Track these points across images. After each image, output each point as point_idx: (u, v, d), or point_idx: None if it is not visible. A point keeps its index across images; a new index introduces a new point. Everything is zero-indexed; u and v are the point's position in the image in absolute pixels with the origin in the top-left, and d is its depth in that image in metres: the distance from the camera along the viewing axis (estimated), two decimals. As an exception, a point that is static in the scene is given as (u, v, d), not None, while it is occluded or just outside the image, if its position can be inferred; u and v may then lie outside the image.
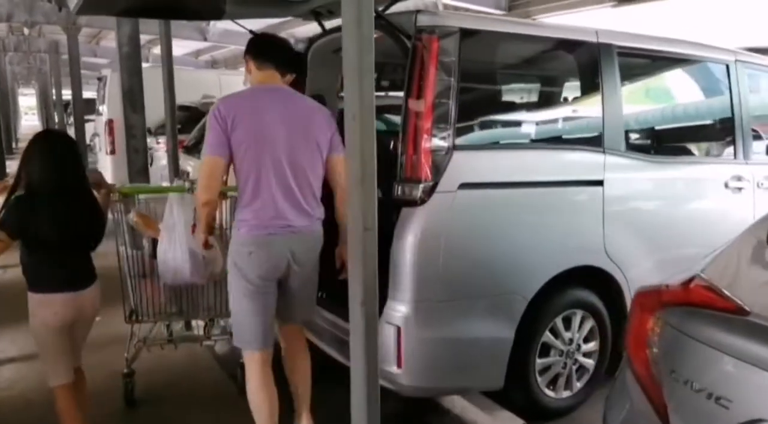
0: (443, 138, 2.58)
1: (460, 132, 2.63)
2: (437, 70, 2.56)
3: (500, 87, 3.27)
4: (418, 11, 2.64)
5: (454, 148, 2.59)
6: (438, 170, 2.56)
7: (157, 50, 15.06)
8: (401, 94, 2.65)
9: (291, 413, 2.75)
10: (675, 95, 3.82)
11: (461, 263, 2.64)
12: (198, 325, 3.70)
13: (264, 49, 2.58)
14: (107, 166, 8.84)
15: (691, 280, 1.56)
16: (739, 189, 3.54)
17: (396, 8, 2.88)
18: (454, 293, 2.65)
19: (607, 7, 7.26)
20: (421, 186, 2.54)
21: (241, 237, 2.45)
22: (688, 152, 3.73)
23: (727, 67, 3.56)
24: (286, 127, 2.41)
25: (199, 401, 3.24)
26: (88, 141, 11.63)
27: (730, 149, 3.59)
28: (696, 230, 3.42)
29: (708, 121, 3.85)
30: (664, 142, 3.58)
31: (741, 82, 3.57)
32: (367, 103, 1.75)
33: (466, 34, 2.65)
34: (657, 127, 3.64)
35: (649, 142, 3.42)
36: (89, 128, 11.48)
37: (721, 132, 3.66)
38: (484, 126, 2.92)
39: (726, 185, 3.50)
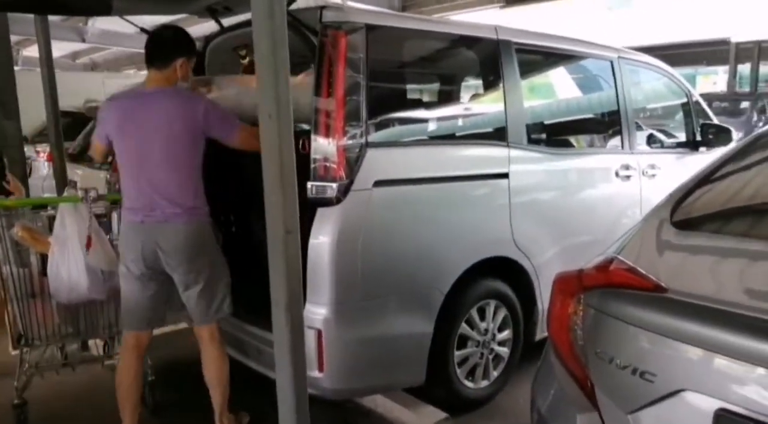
0: (356, 136, 2.54)
1: (372, 129, 2.61)
2: (346, 66, 2.52)
3: (408, 84, 3.30)
4: (322, 7, 2.59)
5: (367, 145, 2.57)
6: (352, 168, 2.52)
7: (27, 52, 14.01)
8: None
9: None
10: (568, 90, 4.03)
11: (379, 261, 2.62)
12: (97, 344, 3.45)
13: (145, 51, 2.65)
14: (-23, 178, 8.05)
15: (609, 262, 1.63)
16: (628, 177, 3.79)
17: (297, 5, 2.82)
18: (373, 292, 2.63)
19: (495, 7, 7.58)
20: (336, 185, 2.49)
21: (121, 224, 2.73)
22: (582, 144, 3.94)
23: (611, 63, 3.80)
24: (145, 130, 2.55)
25: (104, 428, 3.00)
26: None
27: (617, 140, 3.83)
28: (592, 216, 3.62)
29: (598, 115, 4.10)
30: (560, 134, 3.76)
31: (624, 77, 3.83)
32: (284, 100, 1.70)
33: (372, 30, 2.63)
34: (554, 121, 3.82)
35: (547, 135, 3.58)
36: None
37: (610, 124, 3.90)
38: (395, 123, 2.92)
39: (616, 174, 3.73)
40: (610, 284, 1.57)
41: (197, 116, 2.52)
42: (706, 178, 1.88)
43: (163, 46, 2.64)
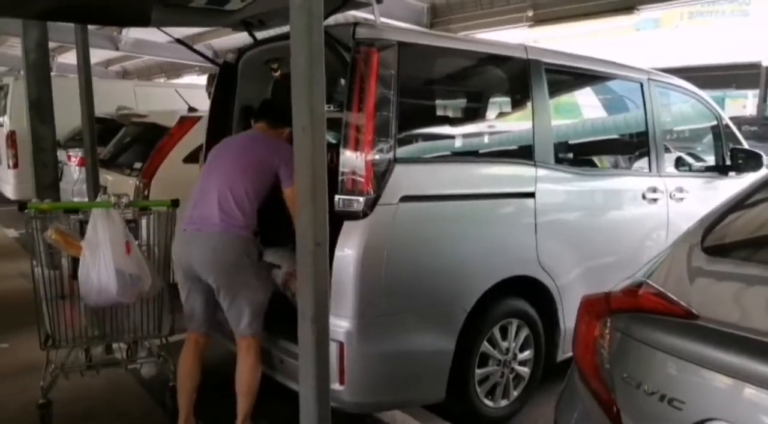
0: (385, 151, 2.57)
1: (400, 145, 2.63)
2: (377, 82, 2.55)
3: (437, 101, 3.31)
4: (356, 23, 2.63)
5: (395, 160, 2.59)
6: (380, 183, 2.54)
7: (62, 59, 14.35)
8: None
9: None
10: (597, 111, 4.02)
11: (403, 276, 2.63)
12: (121, 348, 3.49)
13: (264, 109, 3.10)
14: (9, 180, 8.24)
15: (638, 286, 1.62)
16: (655, 200, 3.76)
17: (331, 21, 2.86)
18: (397, 307, 2.63)
19: (523, 26, 7.59)
20: (363, 199, 2.52)
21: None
22: (610, 165, 3.92)
23: (641, 85, 3.78)
24: (227, 154, 2.88)
25: (125, 431, 3.04)
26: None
27: (645, 162, 3.80)
28: (617, 238, 3.60)
29: (626, 136, 4.08)
30: (588, 155, 3.75)
31: (654, 99, 3.81)
32: (318, 114, 1.72)
33: (404, 47, 2.66)
34: (581, 141, 3.81)
35: (574, 155, 3.57)
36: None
37: (638, 146, 3.88)
38: (423, 139, 2.94)
39: (643, 196, 3.71)
40: (638, 309, 1.56)
41: (279, 155, 2.78)
42: (738, 204, 1.87)
43: (285, 113, 2.86)
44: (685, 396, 1.37)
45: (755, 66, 16.08)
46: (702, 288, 1.57)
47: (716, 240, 1.72)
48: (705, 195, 4.09)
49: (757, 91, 17.64)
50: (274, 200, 2.85)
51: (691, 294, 1.50)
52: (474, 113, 3.61)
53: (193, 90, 7.69)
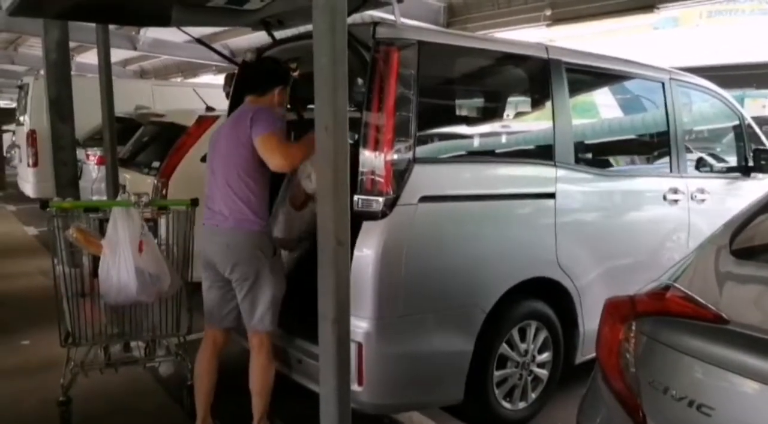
0: (404, 151, 2.55)
1: (420, 144, 2.61)
2: (397, 82, 2.54)
3: (457, 100, 3.29)
4: (375, 23, 2.62)
5: (415, 160, 2.58)
6: (399, 183, 2.53)
7: (81, 58, 14.49)
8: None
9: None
10: (617, 111, 3.97)
11: (422, 277, 2.61)
12: (139, 346, 3.51)
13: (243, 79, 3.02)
14: (29, 179, 8.34)
15: (666, 290, 1.59)
16: (676, 201, 3.71)
17: (351, 20, 2.85)
18: (416, 308, 2.62)
19: (541, 26, 7.53)
20: (383, 199, 2.51)
21: None
22: (630, 166, 3.88)
23: (663, 84, 3.73)
24: (218, 143, 2.80)
25: (143, 429, 3.06)
26: (5, 152, 10.94)
27: (666, 163, 3.75)
28: (637, 240, 3.56)
29: (647, 137, 4.03)
30: (608, 155, 3.71)
31: (675, 99, 3.76)
32: (341, 114, 1.71)
33: (423, 46, 2.64)
34: (602, 142, 3.77)
35: (595, 155, 3.53)
36: (6, 139, 10.81)
37: (659, 146, 3.83)
38: (443, 139, 2.93)
39: (664, 197, 3.66)
40: (665, 312, 1.54)
41: (247, 119, 2.64)
42: (766, 206, 1.83)
43: (263, 76, 2.86)
44: (714, 402, 1.34)
45: (776, 65, 15.84)
46: (731, 292, 1.54)
47: (745, 242, 1.69)
48: (727, 197, 4.03)
49: (777, 91, 17.40)
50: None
51: (720, 298, 1.47)
52: (494, 113, 3.58)
53: (210, 89, 7.72)
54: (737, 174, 4.23)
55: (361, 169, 2.55)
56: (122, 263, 2.75)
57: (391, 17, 2.87)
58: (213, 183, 2.78)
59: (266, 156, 2.59)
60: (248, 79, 2.93)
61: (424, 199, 2.60)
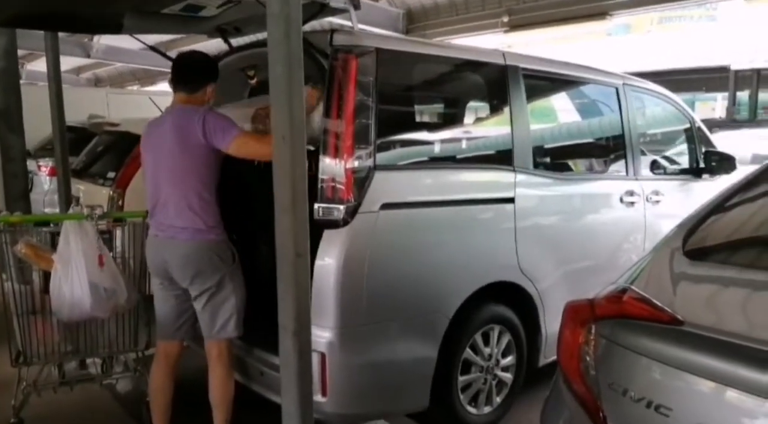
0: (365, 158, 2.54)
1: (380, 151, 2.60)
2: (356, 89, 2.53)
3: (416, 107, 3.30)
4: (333, 30, 2.60)
5: (375, 168, 2.57)
6: (360, 191, 2.52)
7: (30, 66, 14.06)
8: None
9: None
10: (574, 116, 4.05)
11: (384, 285, 2.60)
12: (95, 363, 3.40)
13: (174, 74, 2.74)
14: (-23, 191, 8.01)
15: (623, 292, 1.62)
16: (632, 203, 3.79)
17: (308, 27, 2.83)
18: (379, 316, 2.60)
19: (499, 32, 7.64)
20: (344, 207, 2.49)
21: None
22: (587, 169, 3.95)
23: (617, 89, 3.82)
24: (160, 146, 2.65)
25: (100, 449, 2.96)
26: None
27: (622, 166, 3.83)
28: (596, 242, 3.62)
29: (603, 141, 4.11)
30: (565, 159, 3.77)
31: (629, 104, 3.85)
32: (298, 122, 1.69)
33: (382, 53, 2.64)
34: (560, 146, 3.83)
35: (553, 160, 3.58)
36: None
37: (615, 150, 3.91)
38: (403, 145, 2.92)
39: (621, 200, 3.73)
40: (623, 315, 1.56)
41: (196, 126, 2.53)
42: (717, 207, 1.87)
43: (195, 71, 2.73)
44: (672, 403, 1.36)
45: (724, 69, 16.43)
46: (686, 293, 1.57)
47: (697, 243, 1.73)
48: (680, 198, 4.14)
49: (725, 94, 18.01)
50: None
51: (675, 299, 1.50)
52: (453, 119, 3.60)
53: (167, 97, 7.57)
54: (689, 176, 4.35)
55: (321, 176, 2.53)
56: (75, 278, 2.66)
57: (350, 24, 2.87)
58: (160, 194, 2.65)
59: (253, 153, 2.53)
60: (178, 73, 2.73)
61: (386, 206, 2.59)
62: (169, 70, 2.79)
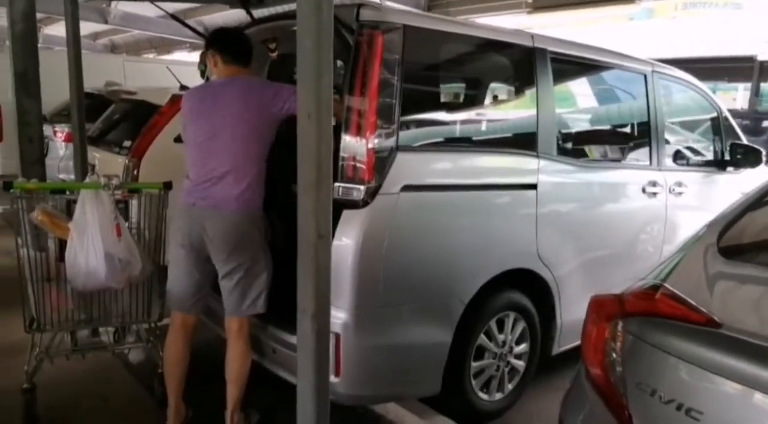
0: (387, 137, 2.48)
1: (403, 132, 2.55)
2: (381, 66, 2.46)
3: (441, 87, 3.23)
4: (360, 4, 2.52)
5: (398, 148, 2.51)
6: (381, 172, 2.46)
7: (48, 30, 13.99)
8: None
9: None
10: (600, 102, 3.95)
11: (402, 268, 2.56)
12: (108, 331, 3.41)
13: (227, 48, 2.72)
14: (-6, 154, 8.04)
15: (654, 289, 1.56)
16: (654, 194, 3.72)
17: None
18: (394, 299, 2.57)
19: (522, 12, 7.48)
20: (364, 188, 2.44)
21: (177, 205, 2.75)
22: (611, 158, 3.87)
23: (645, 77, 3.72)
24: (220, 114, 2.60)
25: (112, 418, 2.97)
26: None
27: (646, 156, 3.75)
28: (616, 232, 3.56)
29: (628, 129, 4.02)
30: (590, 146, 3.68)
31: (657, 92, 3.75)
32: (325, 100, 1.64)
33: (409, 31, 2.56)
34: (584, 133, 3.75)
35: (577, 146, 3.50)
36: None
37: (640, 139, 3.82)
38: (426, 126, 2.86)
39: (643, 190, 3.66)
40: (655, 313, 1.51)
41: (271, 96, 2.56)
42: (754, 203, 1.81)
43: (248, 45, 2.77)
44: (703, 406, 1.32)
45: (749, 59, 16.09)
46: (723, 294, 1.51)
47: (732, 241, 1.67)
48: (703, 190, 4.06)
49: (747, 85, 17.65)
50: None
51: (711, 300, 1.45)
52: (478, 101, 3.52)
53: (184, 67, 7.50)
54: (713, 168, 4.26)
55: (342, 155, 2.48)
56: (91, 248, 2.64)
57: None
58: (215, 162, 2.57)
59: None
60: (235, 46, 2.72)
61: (407, 188, 2.54)
62: (186, 39, 2.76)
